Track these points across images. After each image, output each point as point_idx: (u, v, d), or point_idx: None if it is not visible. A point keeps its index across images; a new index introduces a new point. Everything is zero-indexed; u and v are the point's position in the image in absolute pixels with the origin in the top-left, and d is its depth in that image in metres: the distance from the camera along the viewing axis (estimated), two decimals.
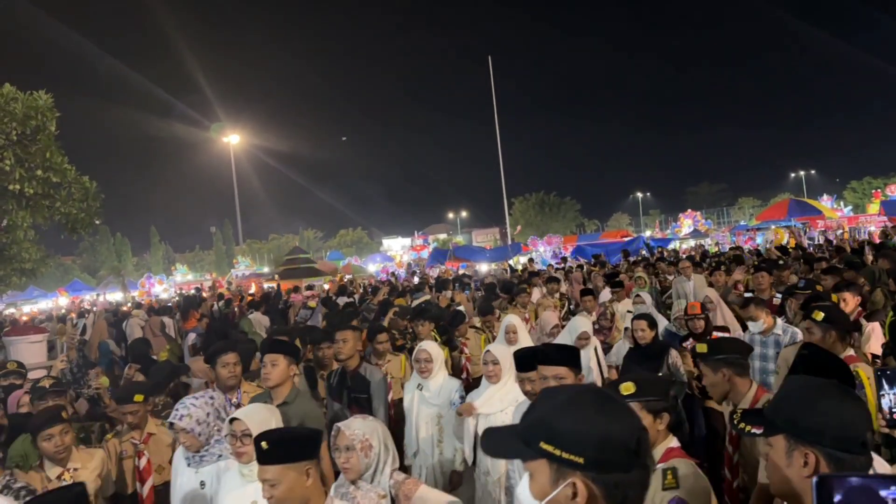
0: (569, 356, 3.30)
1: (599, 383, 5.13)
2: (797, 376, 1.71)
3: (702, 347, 3.26)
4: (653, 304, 8.18)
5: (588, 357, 5.57)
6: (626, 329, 6.01)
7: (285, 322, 10.68)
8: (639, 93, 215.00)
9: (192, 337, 9.16)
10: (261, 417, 2.94)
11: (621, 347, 6.18)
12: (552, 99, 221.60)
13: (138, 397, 3.96)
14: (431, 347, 4.68)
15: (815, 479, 1.05)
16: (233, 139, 47.73)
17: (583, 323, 6.00)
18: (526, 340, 5.71)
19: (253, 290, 20.31)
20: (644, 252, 21.42)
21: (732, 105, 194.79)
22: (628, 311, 7.98)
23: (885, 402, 2.43)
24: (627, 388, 2.50)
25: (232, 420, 2.97)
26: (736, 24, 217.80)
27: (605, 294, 9.53)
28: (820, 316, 3.76)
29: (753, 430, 1.66)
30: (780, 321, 5.37)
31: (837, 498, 1.02)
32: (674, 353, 5.20)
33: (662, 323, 6.98)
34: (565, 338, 5.77)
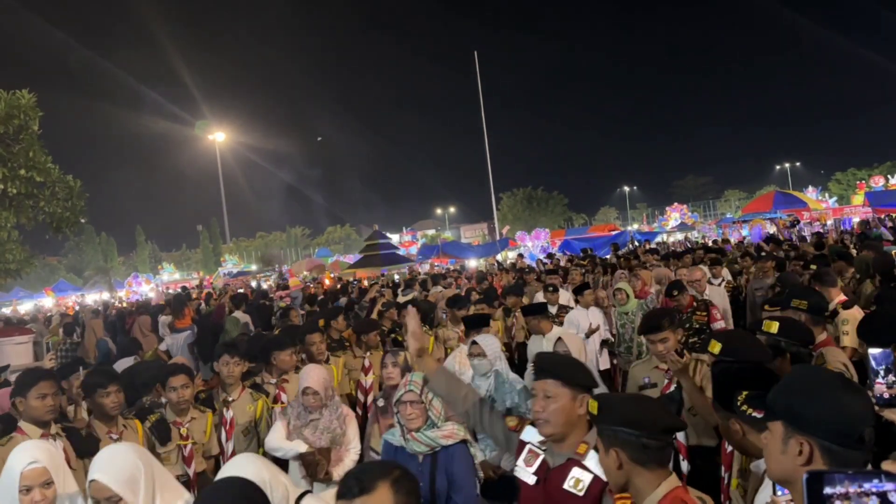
0: None
1: None
2: (802, 365, 1.73)
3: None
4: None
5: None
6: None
7: (266, 320, 10.65)
8: (625, 87, 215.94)
9: (186, 335, 9.18)
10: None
11: None
12: (538, 94, 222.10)
13: None
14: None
15: (805, 474, 1.08)
16: (218, 137, 47.38)
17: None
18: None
19: (327, 281, 18.79)
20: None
21: (718, 99, 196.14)
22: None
23: (876, 384, 2.42)
24: None
25: None
26: (721, 19, 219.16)
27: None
28: (717, 348, 2.90)
29: (754, 414, 1.67)
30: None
31: (827, 492, 1.04)
32: None
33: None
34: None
